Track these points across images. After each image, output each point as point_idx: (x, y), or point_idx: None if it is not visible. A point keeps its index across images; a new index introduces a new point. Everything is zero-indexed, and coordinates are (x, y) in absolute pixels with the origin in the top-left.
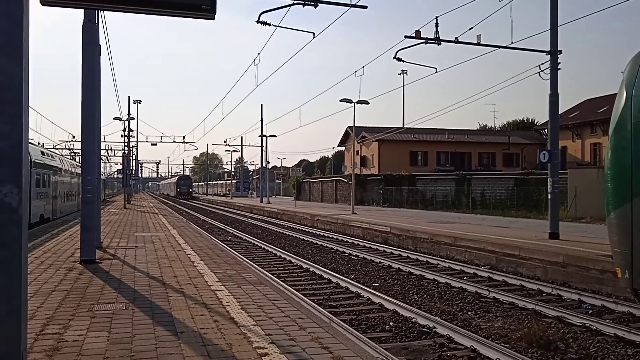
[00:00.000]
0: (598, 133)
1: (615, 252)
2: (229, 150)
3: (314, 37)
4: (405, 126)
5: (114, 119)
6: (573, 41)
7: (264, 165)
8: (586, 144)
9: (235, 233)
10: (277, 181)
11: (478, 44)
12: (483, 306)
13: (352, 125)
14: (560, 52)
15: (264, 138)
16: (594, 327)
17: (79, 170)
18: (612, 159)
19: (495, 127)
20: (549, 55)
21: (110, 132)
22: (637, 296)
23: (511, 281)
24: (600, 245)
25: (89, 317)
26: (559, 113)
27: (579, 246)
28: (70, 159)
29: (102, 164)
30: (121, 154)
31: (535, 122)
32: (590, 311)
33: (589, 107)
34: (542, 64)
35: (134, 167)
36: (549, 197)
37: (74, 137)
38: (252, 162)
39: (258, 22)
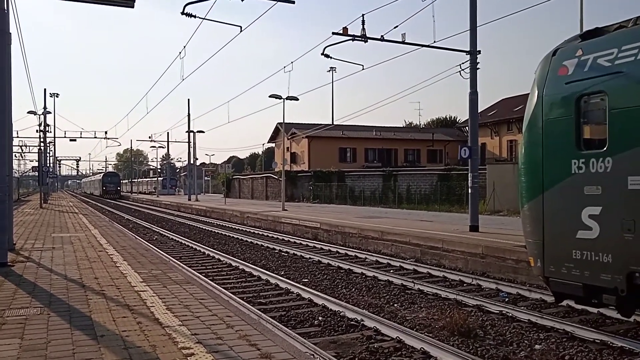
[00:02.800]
0: (514, 130)
1: (528, 242)
2: (155, 147)
3: (241, 31)
4: (334, 123)
5: (28, 112)
6: (492, 42)
7: (192, 161)
8: (503, 141)
9: (161, 232)
10: (206, 178)
11: (403, 42)
12: (409, 298)
13: (282, 121)
14: (479, 52)
15: (192, 134)
16: (510, 314)
17: None
18: (525, 154)
19: (420, 124)
20: (468, 55)
21: (24, 127)
22: (548, 283)
23: (435, 273)
24: (515, 237)
25: None
26: (479, 111)
27: (497, 238)
28: None
29: (15, 161)
30: (36, 151)
31: (457, 119)
32: (507, 299)
33: (505, 106)
34: (463, 63)
35: (51, 165)
36: (469, 191)
37: None
38: (180, 159)
39: (183, 13)
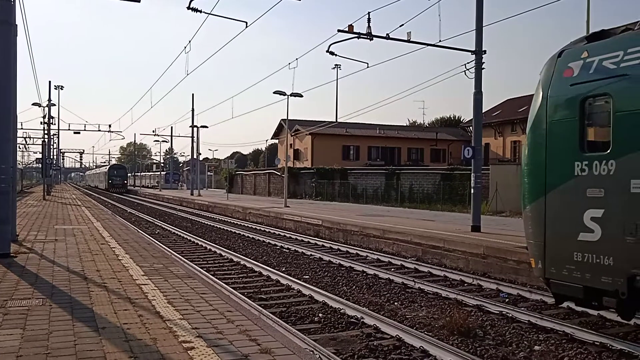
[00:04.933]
0: (518, 131)
1: (529, 244)
2: (158, 141)
3: (246, 27)
4: (338, 120)
5: (33, 104)
6: (498, 42)
7: (195, 156)
8: (507, 141)
9: (163, 226)
10: (209, 173)
11: (408, 40)
12: (409, 296)
13: (286, 118)
14: (485, 52)
15: (195, 128)
16: (510, 315)
17: None
18: (528, 155)
19: (424, 123)
20: (474, 55)
21: (29, 118)
22: (549, 285)
23: (436, 272)
24: (517, 238)
25: (1, 315)
26: (483, 111)
27: (498, 238)
28: None
29: (19, 153)
30: (40, 142)
31: (461, 119)
32: (507, 300)
33: (510, 107)
34: (468, 63)
35: (54, 157)
36: (472, 191)
37: None
38: (183, 154)
39: (189, 8)
